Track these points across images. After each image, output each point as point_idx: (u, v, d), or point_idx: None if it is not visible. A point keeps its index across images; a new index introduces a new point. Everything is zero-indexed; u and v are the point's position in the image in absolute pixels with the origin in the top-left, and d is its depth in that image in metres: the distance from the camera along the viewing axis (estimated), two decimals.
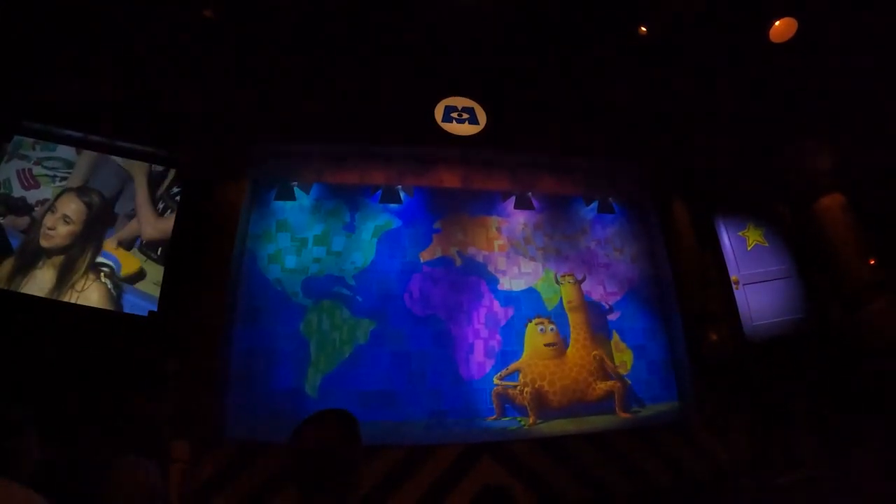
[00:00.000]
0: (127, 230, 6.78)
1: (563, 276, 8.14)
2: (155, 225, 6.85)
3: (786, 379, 7.15)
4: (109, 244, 6.64)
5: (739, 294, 8.03)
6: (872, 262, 7.75)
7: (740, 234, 8.40)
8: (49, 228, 6.45)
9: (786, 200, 8.53)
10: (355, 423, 1.97)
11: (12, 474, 2.13)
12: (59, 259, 6.39)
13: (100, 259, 6.55)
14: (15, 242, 6.33)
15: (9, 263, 6.21)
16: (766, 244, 8.32)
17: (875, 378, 6.74)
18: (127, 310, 6.44)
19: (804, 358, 7.29)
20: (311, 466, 1.82)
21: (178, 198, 7.01)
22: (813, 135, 8.29)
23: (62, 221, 6.52)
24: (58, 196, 6.63)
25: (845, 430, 6.39)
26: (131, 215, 6.87)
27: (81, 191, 6.74)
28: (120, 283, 6.53)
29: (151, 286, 6.58)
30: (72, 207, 6.63)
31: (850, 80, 7.62)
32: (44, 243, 6.39)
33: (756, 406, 7.07)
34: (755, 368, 7.37)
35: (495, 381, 7.39)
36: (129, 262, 6.61)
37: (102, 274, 6.50)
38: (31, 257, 6.31)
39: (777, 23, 7.08)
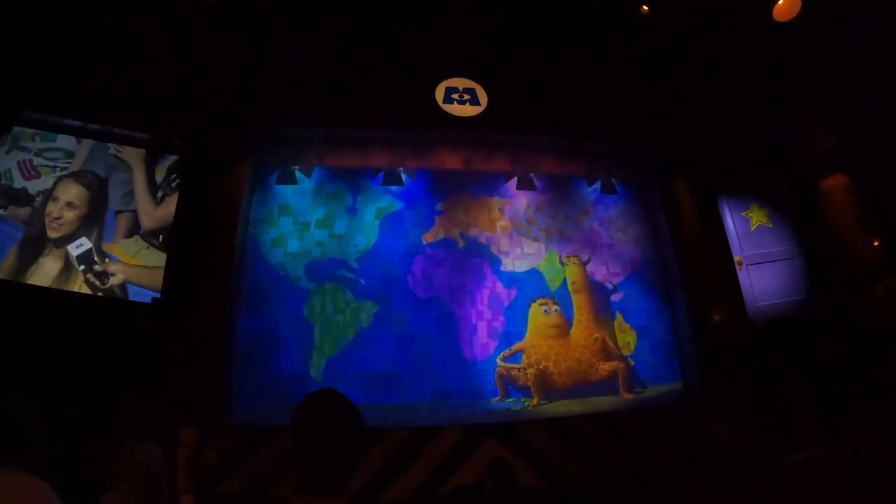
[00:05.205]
0: (124, 225, 6.76)
1: (568, 256, 8.12)
2: (152, 214, 6.80)
3: (789, 360, 7.16)
4: (109, 246, 6.60)
5: (743, 275, 8.00)
6: (876, 244, 7.72)
7: (744, 214, 8.32)
8: (55, 218, 6.39)
9: (789, 181, 8.46)
10: (348, 401, 1.96)
11: (18, 464, 2.14)
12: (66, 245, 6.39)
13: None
14: (18, 233, 6.31)
15: (13, 254, 6.19)
16: (770, 225, 8.25)
17: (878, 359, 6.75)
18: (131, 297, 6.45)
19: (807, 339, 7.29)
20: (312, 444, 1.83)
21: (174, 184, 6.96)
22: (817, 115, 8.22)
23: (67, 208, 6.48)
24: (55, 184, 6.56)
25: (848, 411, 6.41)
26: (126, 210, 6.81)
27: (77, 175, 6.67)
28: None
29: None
30: (73, 192, 6.57)
31: (854, 59, 7.53)
32: (52, 234, 6.36)
33: (759, 387, 7.08)
34: (758, 349, 7.37)
35: (498, 361, 7.42)
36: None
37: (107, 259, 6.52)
38: (35, 247, 6.30)
39: (780, 1, 7.00)
